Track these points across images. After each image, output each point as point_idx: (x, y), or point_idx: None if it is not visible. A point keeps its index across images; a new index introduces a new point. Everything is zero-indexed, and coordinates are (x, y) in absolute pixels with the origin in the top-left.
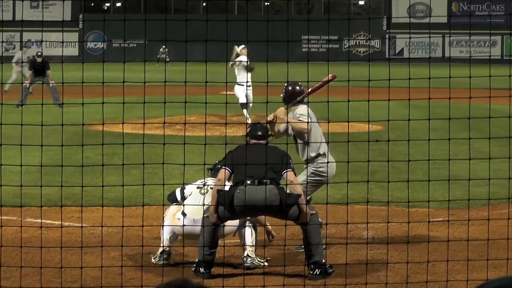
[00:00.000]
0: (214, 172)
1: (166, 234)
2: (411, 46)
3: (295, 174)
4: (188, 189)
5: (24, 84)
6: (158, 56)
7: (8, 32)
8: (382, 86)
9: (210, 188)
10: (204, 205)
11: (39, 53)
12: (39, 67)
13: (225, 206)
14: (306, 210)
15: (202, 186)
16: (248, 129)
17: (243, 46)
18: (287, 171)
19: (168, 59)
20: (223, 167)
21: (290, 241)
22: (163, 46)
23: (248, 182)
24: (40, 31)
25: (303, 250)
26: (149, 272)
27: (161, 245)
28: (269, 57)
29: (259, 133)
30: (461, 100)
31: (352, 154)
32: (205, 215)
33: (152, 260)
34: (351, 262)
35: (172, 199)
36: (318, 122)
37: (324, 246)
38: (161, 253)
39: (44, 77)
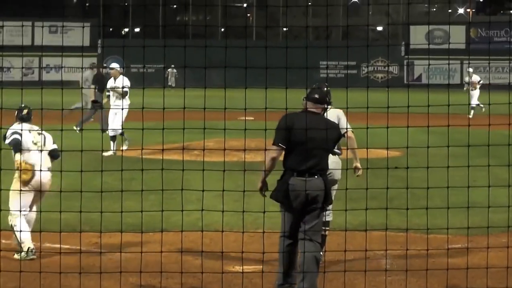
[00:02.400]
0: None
1: (23, 227)
2: (429, 72)
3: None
4: (25, 142)
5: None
6: (167, 75)
7: (27, 57)
8: (400, 112)
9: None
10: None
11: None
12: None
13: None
14: None
15: (37, 142)
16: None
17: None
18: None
19: (173, 85)
20: (278, 143)
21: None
22: (172, 66)
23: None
24: (59, 56)
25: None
26: None
27: (22, 242)
28: (286, 82)
29: (316, 95)
30: (480, 126)
31: (370, 180)
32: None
33: (16, 256)
34: None
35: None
36: None
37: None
38: (27, 250)
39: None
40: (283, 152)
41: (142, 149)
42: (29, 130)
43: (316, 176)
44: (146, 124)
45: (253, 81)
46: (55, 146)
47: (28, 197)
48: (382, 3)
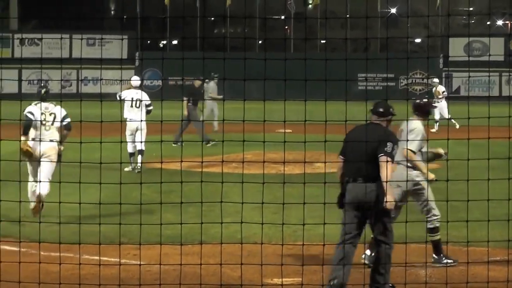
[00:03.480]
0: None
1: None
2: (468, 84)
3: (389, 157)
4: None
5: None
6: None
7: (65, 69)
8: (439, 124)
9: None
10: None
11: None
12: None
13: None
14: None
15: (44, 122)
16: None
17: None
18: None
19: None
20: (338, 155)
21: None
22: (206, 80)
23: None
24: (96, 68)
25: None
26: None
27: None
28: (326, 95)
29: (380, 109)
30: None
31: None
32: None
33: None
34: None
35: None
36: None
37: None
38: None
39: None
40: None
41: (182, 161)
42: (42, 112)
43: (359, 181)
44: (185, 136)
45: (292, 93)
46: (68, 120)
47: (35, 166)
48: (421, 15)
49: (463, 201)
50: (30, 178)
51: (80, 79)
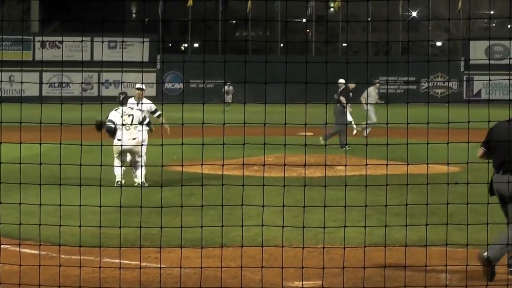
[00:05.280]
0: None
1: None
2: (488, 87)
3: None
4: (117, 124)
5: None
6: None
7: (87, 72)
8: (460, 128)
9: (128, 116)
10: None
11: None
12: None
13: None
14: None
15: (126, 123)
16: None
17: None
18: None
19: (230, 101)
20: (480, 146)
21: None
22: (228, 83)
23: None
24: (117, 71)
25: None
26: None
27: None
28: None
29: None
30: None
31: (430, 196)
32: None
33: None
34: None
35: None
36: None
37: None
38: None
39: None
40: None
41: (202, 164)
42: (121, 115)
43: (501, 173)
44: (205, 139)
45: (313, 96)
46: (147, 120)
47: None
48: (442, 19)
49: (483, 204)
50: (116, 163)
51: (101, 81)
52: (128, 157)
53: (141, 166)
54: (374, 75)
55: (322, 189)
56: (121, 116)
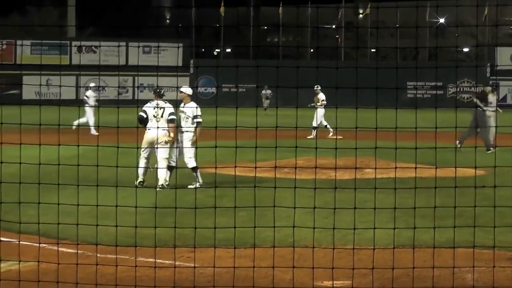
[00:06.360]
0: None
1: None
2: None
3: None
4: (149, 115)
5: None
6: (263, 98)
7: (122, 76)
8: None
9: (160, 108)
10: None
11: None
12: None
13: None
14: None
15: (156, 115)
16: None
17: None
18: None
19: (267, 106)
20: None
21: None
22: (265, 87)
23: None
24: (152, 75)
25: None
26: None
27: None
28: (377, 102)
29: None
30: None
31: (457, 198)
32: None
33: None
34: None
35: (141, 120)
36: None
37: None
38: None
39: None
40: None
41: (235, 166)
42: (154, 107)
43: None
44: (238, 142)
45: (343, 100)
46: (172, 117)
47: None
48: (469, 25)
49: (509, 207)
50: (142, 163)
51: (136, 85)
52: (155, 154)
53: (174, 167)
54: (403, 80)
55: (351, 191)
56: (154, 108)
